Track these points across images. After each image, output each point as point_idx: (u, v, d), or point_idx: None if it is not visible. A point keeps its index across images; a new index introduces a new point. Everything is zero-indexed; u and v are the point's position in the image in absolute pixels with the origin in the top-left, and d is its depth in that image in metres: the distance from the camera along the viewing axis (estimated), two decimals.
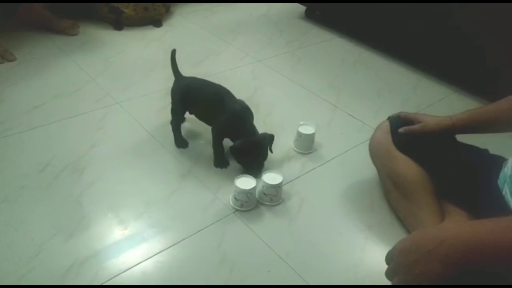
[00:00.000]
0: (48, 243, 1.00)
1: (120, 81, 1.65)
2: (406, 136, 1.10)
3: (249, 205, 1.12)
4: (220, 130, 1.24)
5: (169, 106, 1.40)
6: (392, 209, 1.16)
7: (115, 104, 1.52)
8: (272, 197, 1.14)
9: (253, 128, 1.23)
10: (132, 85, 1.64)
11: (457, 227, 0.70)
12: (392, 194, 1.15)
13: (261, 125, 1.48)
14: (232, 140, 1.23)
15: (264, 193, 1.14)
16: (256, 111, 1.56)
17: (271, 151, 1.24)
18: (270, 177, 1.14)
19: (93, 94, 1.56)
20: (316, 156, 1.36)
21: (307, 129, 1.35)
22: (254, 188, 1.11)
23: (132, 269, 0.96)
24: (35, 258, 0.96)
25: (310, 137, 1.35)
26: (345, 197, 1.22)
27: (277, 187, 1.14)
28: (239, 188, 1.09)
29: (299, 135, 1.35)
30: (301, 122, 1.37)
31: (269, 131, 1.46)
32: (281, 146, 1.39)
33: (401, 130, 1.11)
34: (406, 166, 1.09)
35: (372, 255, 1.05)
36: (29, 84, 1.58)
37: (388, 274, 0.74)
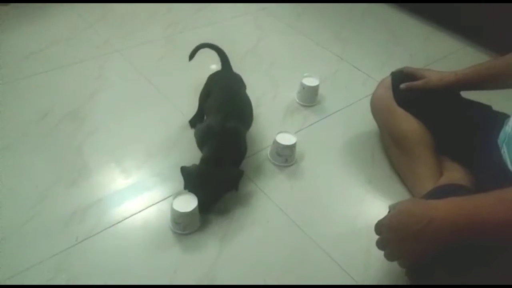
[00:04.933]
0: (51, 190, 1.01)
1: (119, 28, 1.60)
2: (408, 92, 1.08)
3: (193, 226, 0.95)
4: (196, 139, 1.07)
5: (169, 55, 1.36)
6: (392, 164, 1.16)
7: (114, 52, 1.48)
8: (287, 158, 1.13)
9: (217, 154, 0.98)
10: (132, 32, 1.59)
11: (445, 206, 0.70)
12: (392, 149, 1.15)
13: (264, 76, 1.46)
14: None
15: (279, 154, 1.12)
16: (259, 61, 1.53)
17: (236, 189, 1.02)
18: (284, 138, 1.12)
19: (91, 41, 1.52)
20: (319, 109, 1.34)
21: (311, 81, 1.32)
22: (196, 208, 0.93)
23: (134, 216, 0.98)
24: (39, 204, 0.98)
25: (314, 89, 1.33)
26: (347, 151, 1.22)
27: (292, 147, 1.12)
28: (178, 211, 0.91)
29: (303, 87, 1.32)
30: (305, 74, 1.34)
31: (272, 82, 1.43)
32: (284, 98, 1.37)
33: (402, 86, 1.09)
34: (406, 122, 1.08)
35: (371, 208, 1.06)
36: (25, 30, 1.53)
37: (378, 246, 0.78)
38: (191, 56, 1.21)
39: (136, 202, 1.01)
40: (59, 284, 0.84)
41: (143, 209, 0.99)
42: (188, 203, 0.93)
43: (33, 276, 0.85)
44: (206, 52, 1.22)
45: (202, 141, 1.03)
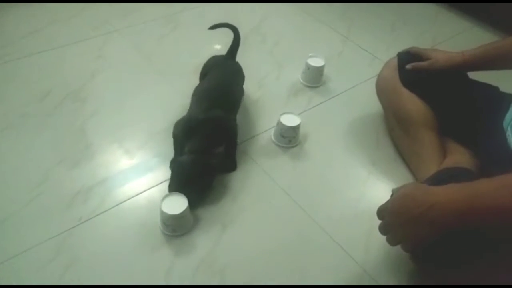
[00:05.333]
0: (54, 170, 1.01)
1: (118, 6, 1.57)
2: (414, 73, 1.06)
3: (183, 228, 0.91)
4: (175, 130, 1.03)
5: (170, 34, 1.33)
6: (396, 146, 1.15)
7: (114, 31, 1.45)
8: (291, 139, 1.12)
9: (204, 145, 0.96)
10: (131, 11, 1.56)
11: (447, 191, 0.70)
12: (396, 131, 1.14)
13: (267, 55, 1.43)
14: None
15: (283, 136, 1.11)
16: (262, 41, 1.50)
17: (234, 168, 1.04)
18: (288, 119, 1.10)
19: (90, 20, 1.49)
20: (324, 90, 1.33)
21: (316, 61, 1.30)
22: (186, 210, 0.89)
23: (138, 196, 0.98)
24: (43, 184, 0.98)
25: (319, 70, 1.31)
26: (351, 133, 1.20)
27: (296, 128, 1.11)
28: (166, 213, 0.87)
29: (308, 67, 1.30)
30: (310, 54, 1.32)
31: (276, 62, 1.40)
32: (288, 78, 1.35)
33: (408, 66, 1.07)
34: (411, 103, 1.07)
35: (374, 190, 1.06)
36: (23, 9, 1.50)
37: (381, 231, 0.78)
38: (212, 28, 1.18)
39: (139, 183, 1.01)
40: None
41: (146, 190, 0.99)
42: (178, 204, 0.89)
43: (33, 257, 0.85)
44: (212, 33, 1.19)
45: (185, 133, 0.99)
